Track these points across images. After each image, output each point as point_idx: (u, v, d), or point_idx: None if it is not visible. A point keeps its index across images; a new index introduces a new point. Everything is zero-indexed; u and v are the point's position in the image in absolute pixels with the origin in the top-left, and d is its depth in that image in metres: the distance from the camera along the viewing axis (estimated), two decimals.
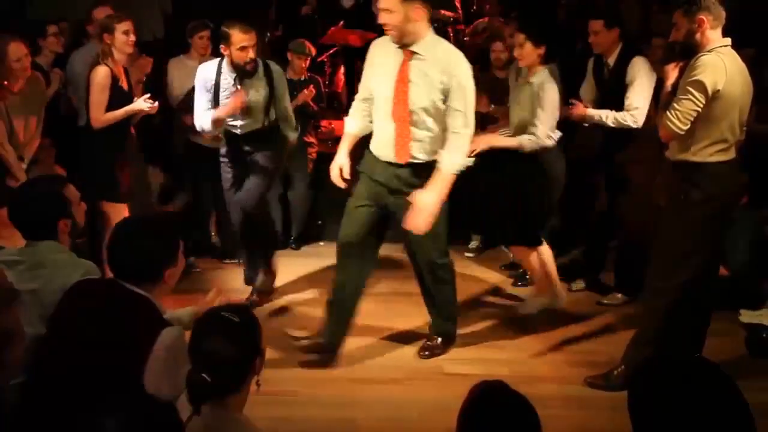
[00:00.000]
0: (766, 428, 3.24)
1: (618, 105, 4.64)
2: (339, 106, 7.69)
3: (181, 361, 2.17)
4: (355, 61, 7.59)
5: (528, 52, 4.42)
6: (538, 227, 4.61)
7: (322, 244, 6.10)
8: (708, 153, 3.52)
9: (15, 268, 2.59)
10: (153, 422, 1.68)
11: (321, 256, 5.76)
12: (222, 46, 4.46)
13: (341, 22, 7.35)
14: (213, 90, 4.56)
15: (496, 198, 4.52)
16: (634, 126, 4.59)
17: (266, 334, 2.16)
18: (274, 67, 4.71)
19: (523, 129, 4.44)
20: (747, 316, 4.55)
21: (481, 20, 7.51)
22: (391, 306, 4.90)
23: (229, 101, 4.48)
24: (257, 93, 4.56)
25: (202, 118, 4.59)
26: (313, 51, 5.99)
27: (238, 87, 4.49)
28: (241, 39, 4.37)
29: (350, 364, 4.07)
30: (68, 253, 2.72)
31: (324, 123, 6.53)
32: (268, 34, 7.15)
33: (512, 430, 1.85)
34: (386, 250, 5.90)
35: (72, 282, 2.48)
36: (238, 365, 2.04)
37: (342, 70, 7.80)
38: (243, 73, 4.48)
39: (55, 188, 2.79)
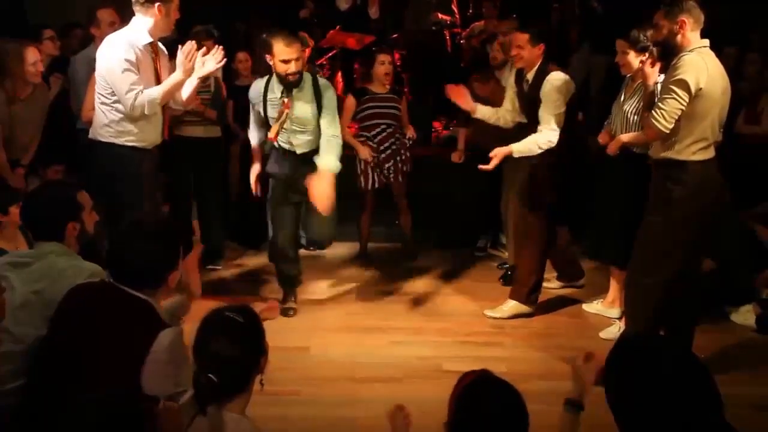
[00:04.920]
0: (756, 420, 3.32)
1: (536, 119, 4.46)
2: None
3: (181, 362, 2.21)
4: (352, 63, 7.68)
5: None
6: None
7: None
8: (691, 151, 3.59)
9: (22, 270, 2.63)
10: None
11: (323, 258, 5.81)
12: (267, 55, 4.29)
13: (338, 26, 7.39)
14: (263, 107, 4.43)
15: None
16: (549, 146, 4.39)
17: (267, 333, 2.18)
18: (323, 81, 4.50)
19: None
20: (738, 317, 4.67)
21: (477, 23, 7.56)
22: (390, 306, 4.95)
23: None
24: (305, 106, 4.35)
25: (253, 134, 4.65)
26: (311, 41, 5.83)
27: (285, 100, 4.32)
28: (281, 51, 4.18)
29: (350, 363, 4.11)
30: (73, 256, 2.75)
31: None
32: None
33: (499, 410, 2.01)
34: (385, 249, 6.00)
35: (76, 284, 2.51)
36: (243, 365, 2.07)
37: (340, 72, 7.84)
38: (288, 85, 4.30)
39: (67, 192, 2.85)
